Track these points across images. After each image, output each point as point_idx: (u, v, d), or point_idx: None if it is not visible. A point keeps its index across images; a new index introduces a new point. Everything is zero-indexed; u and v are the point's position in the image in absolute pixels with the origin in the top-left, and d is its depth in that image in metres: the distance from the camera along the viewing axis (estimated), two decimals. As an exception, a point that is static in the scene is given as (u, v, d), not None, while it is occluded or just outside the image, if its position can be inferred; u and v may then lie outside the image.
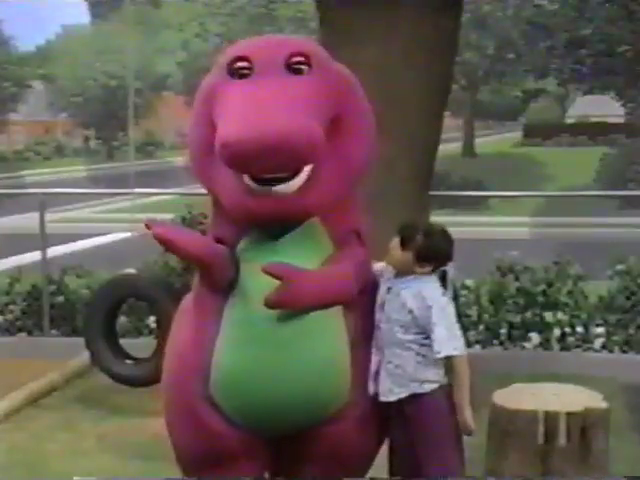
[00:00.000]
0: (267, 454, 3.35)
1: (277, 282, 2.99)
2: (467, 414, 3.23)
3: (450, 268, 3.31)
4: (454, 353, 3.20)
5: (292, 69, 3.06)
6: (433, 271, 3.30)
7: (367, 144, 3.27)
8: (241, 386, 3.14)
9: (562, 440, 3.64)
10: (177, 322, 3.46)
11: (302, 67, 3.08)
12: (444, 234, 3.33)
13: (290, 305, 3.05)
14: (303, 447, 3.31)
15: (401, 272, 3.32)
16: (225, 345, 3.15)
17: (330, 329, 3.18)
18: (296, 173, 2.97)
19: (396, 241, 3.28)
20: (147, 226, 3.08)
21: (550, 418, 3.66)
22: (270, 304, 3.01)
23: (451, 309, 3.28)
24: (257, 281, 3.07)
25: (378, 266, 3.42)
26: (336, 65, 3.27)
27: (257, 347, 3.10)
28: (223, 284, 3.16)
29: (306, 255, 3.14)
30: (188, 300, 3.45)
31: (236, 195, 3.03)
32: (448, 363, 3.24)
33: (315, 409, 3.19)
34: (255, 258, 3.11)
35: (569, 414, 3.66)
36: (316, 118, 2.95)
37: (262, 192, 2.96)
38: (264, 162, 2.86)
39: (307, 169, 3.00)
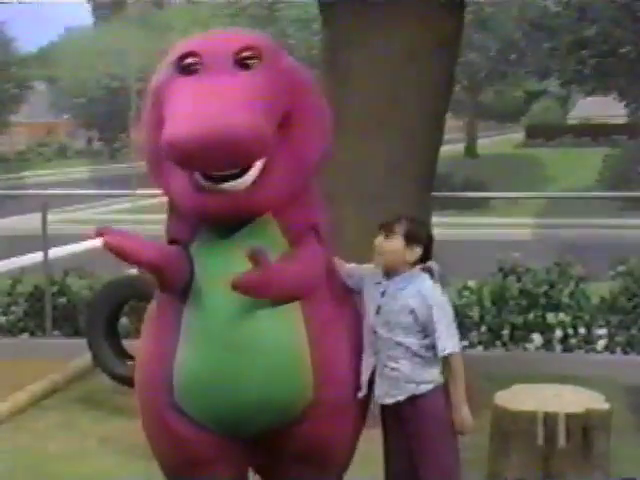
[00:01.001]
0: (244, 455, 3.31)
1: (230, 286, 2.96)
2: (465, 411, 3.23)
3: (434, 264, 3.30)
4: (455, 351, 3.20)
5: (241, 64, 3.01)
6: (422, 262, 3.29)
7: (321, 139, 3.22)
8: (203, 391, 3.10)
9: (562, 441, 3.64)
10: (143, 332, 3.42)
11: (251, 62, 3.02)
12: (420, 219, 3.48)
13: (255, 292, 3.00)
14: (276, 447, 3.27)
15: (392, 267, 3.29)
16: (184, 352, 3.11)
17: (287, 329, 3.12)
18: (246, 170, 2.94)
19: (380, 238, 3.28)
20: (98, 234, 3.03)
21: (551, 419, 3.67)
22: (237, 287, 2.96)
23: (449, 307, 3.29)
24: (211, 283, 3.06)
25: (362, 268, 3.41)
26: (288, 59, 3.20)
27: (214, 351, 3.06)
28: (178, 287, 3.13)
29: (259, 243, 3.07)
30: (151, 309, 3.41)
31: (187, 193, 3.01)
32: (444, 361, 3.24)
33: (278, 410, 3.14)
34: (208, 257, 3.10)
35: (570, 415, 3.67)
36: (264, 113, 2.90)
37: (213, 189, 2.94)
38: (210, 159, 2.82)
39: (258, 165, 2.96)
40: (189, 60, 3.03)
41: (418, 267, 3.28)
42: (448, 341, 3.19)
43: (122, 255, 3.02)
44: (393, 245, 3.25)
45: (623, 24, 21.82)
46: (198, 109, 2.84)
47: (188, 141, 2.78)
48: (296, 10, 37.00)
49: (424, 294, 3.23)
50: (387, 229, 3.26)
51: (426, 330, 3.23)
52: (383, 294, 3.30)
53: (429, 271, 3.31)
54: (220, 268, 3.06)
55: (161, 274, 3.12)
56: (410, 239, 3.26)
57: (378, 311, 3.29)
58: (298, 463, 3.30)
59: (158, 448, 3.37)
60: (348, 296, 3.41)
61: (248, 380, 3.06)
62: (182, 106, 2.89)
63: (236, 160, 2.88)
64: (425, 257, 3.30)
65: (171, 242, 3.23)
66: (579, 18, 22.70)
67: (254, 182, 2.97)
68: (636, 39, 22.00)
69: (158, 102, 3.05)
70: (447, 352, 3.19)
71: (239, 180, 2.94)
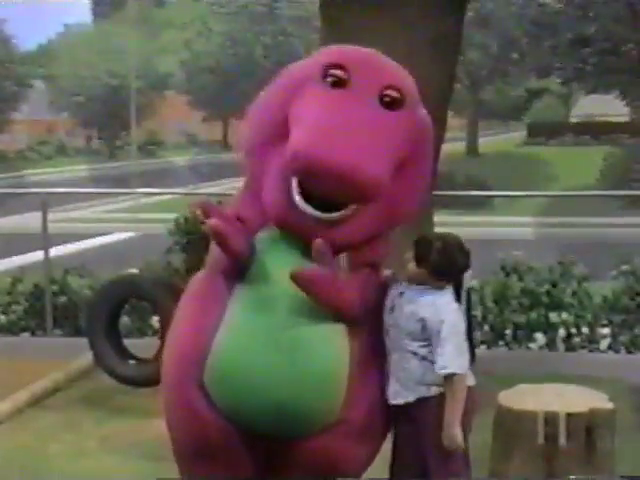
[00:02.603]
0: (255, 454, 3.28)
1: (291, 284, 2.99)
2: (456, 431, 3.19)
3: (467, 276, 3.30)
4: (458, 372, 3.18)
5: (385, 101, 3.02)
6: (449, 282, 3.28)
7: (421, 192, 3.26)
8: (234, 380, 3.08)
9: (563, 441, 3.62)
10: (182, 305, 3.39)
11: (395, 103, 3.03)
12: (460, 247, 3.28)
13: (314, 288, 3.01)
14: (288, 457, 3.24)
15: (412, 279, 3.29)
16: (227, 334, 3.09)
17: (332, 344, 3.11)
18: (340, 207, 2.96)
19: (410, 255, 3.25)
20: (201, 212, 3.06)
21: (554, 419, 3.65)
22: (298, 279, 2.97)
23: (462, 326, 3.25)
24: (269, 278, 3.06)
25: (391, 273, 3.41)
26: (421, 108, 3.23)
27: (257, 344, 3.04)
28: (239, 271, 3.12)
29: None
30: (194, 284, 3.39)
31: (280, 202, 3.02)
32: (445, 378, 3.20)
33: (302, 418, 3.12)
34: (273, 253, 3.10)
35: (574, 415, 3.65)
36: (389, 159, 2.94)
37: (304, 210, 2.96)
38: (328, 187, 2.85)
39: (353, 206, 2.98)
40: (336, 72, 3.02)
41: (444, 284, 3.25)
42: (454, 361, 3.16)
43: (222, 243, 3.06)
44: (419, 273, 3.23)
45: (625, 21, 21.79)
46: (335, 134, 2.84)
47: (314, 160, 2.81)
48: (296, 8, 36.98)
49: (438, 307, 3.21)
50: (418, 255, 3.23)
51: (430, 341, 3.21)
52: (401, 294, 3.29)
53: (459, 282, 3.29)
54: (282, 267, 3.04)
55: (239, 262, 3.11)
56: (437, 274, 3.22)
57: (392, 310, 3.29)
58: (306, 474, 3.27)
59: (174, 423, 3.33)
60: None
61: (282, 380, 3.03)
62: (320, 121, 2.90)
63: (349, 198, 2.92)
64: (443, 273, 3.25)
65: (238, 219, 3.20)
66: (580, 16, 22.66)
67: (341, 219, 2.99)
68: (638, 37, 21.97)
69: (291, 92, 3.06)
70: (448, 372, 3.16)
71: (333, 214, 2.97)
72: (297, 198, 2.96)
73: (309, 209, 2.96)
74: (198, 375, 3.14)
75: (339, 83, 3.01)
